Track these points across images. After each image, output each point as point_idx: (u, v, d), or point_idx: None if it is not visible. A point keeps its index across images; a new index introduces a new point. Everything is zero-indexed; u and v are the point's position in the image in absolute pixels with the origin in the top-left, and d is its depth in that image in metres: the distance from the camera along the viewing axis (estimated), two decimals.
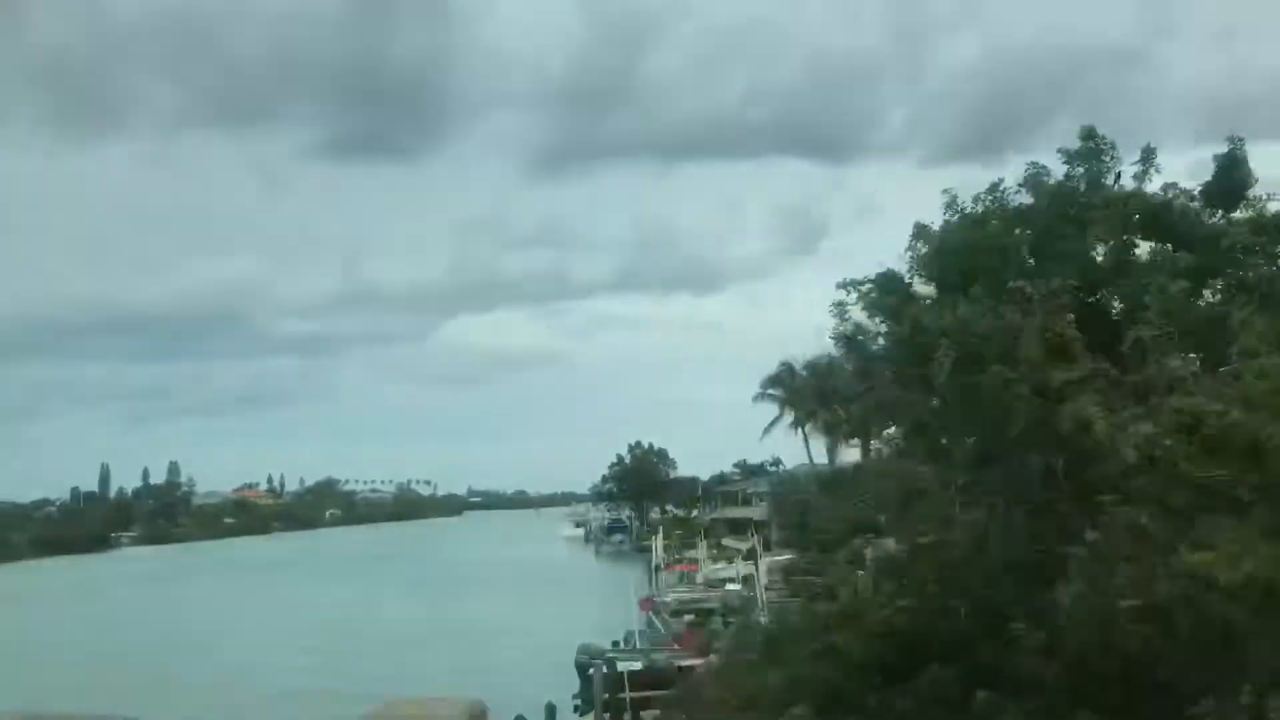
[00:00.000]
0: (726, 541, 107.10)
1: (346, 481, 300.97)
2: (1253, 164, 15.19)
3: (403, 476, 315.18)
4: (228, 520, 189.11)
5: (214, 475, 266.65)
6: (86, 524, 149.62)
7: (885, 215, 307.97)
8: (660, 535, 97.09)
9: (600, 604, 67.95)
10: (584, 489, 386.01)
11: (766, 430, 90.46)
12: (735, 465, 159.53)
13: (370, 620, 58.44)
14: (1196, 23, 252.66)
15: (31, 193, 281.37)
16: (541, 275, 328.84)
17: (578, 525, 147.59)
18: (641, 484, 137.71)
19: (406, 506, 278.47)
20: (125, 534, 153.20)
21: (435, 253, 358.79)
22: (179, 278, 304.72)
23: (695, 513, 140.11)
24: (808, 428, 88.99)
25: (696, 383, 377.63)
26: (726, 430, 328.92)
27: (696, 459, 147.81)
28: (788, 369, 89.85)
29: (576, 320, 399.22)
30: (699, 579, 58.40)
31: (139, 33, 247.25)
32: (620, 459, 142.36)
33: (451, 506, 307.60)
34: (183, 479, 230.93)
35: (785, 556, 66.60)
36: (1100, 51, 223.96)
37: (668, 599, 52.54)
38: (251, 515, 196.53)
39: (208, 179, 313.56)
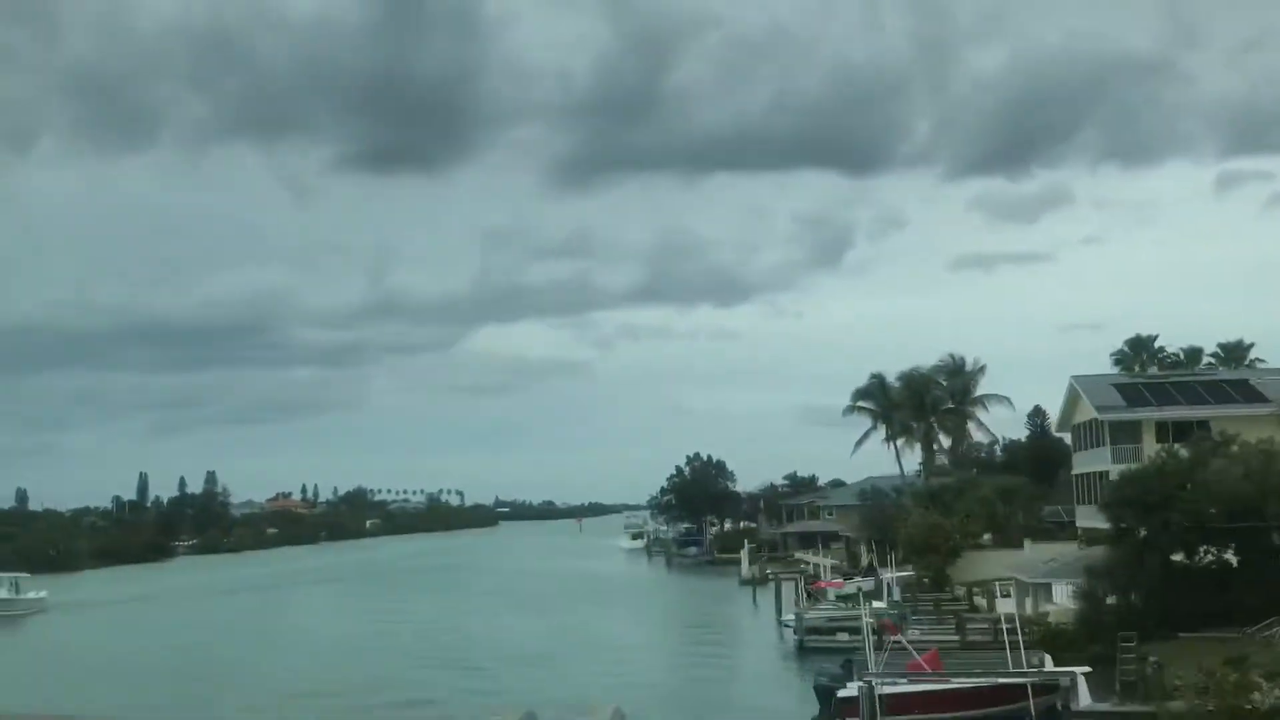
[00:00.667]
0: (799, 554, 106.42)
1: (376, 491, 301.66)
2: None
3: (429, 486, 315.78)
4: (271, 530, 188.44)
5: (243, 484, 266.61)
6: (138, 533, 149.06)
7: (909, 227, 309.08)
8: (747, 549, 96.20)
9: (713, 619, 67.04)
10: (612, 499, 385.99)
11: (859, 444, 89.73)
12: (786, 478, 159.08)
13: (499, 635, 57.48)
14: (1222, 34, 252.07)
15: (63, 204, 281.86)
16: (566, 285, 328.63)
17: (635, 538, 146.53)
18: (700, 496, 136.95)
19: (441, 517, 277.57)
20: (180, 543, 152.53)
21: (461, 263, 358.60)
22: (207, 288, 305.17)
23: (751, 524, 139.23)
24: (900, 441, 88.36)
25: (721, 393, 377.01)
26: (755, 440, 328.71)
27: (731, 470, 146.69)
28: (879, 381, 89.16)
29: (600, 330, 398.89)
30: (831, 596, 57.29)
31: (169, 45, 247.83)
32: (679, 470, 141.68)
33: (483, 517, 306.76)
34: (218, 488, 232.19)
35: (905, 572, 65.74)
36: (1126, 62, 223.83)
37: (810, 616, 51.58)
38: (297, 525, 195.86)
39: (236, 190, 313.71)
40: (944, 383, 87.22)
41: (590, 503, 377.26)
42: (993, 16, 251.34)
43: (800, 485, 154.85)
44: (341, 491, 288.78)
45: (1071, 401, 64.61)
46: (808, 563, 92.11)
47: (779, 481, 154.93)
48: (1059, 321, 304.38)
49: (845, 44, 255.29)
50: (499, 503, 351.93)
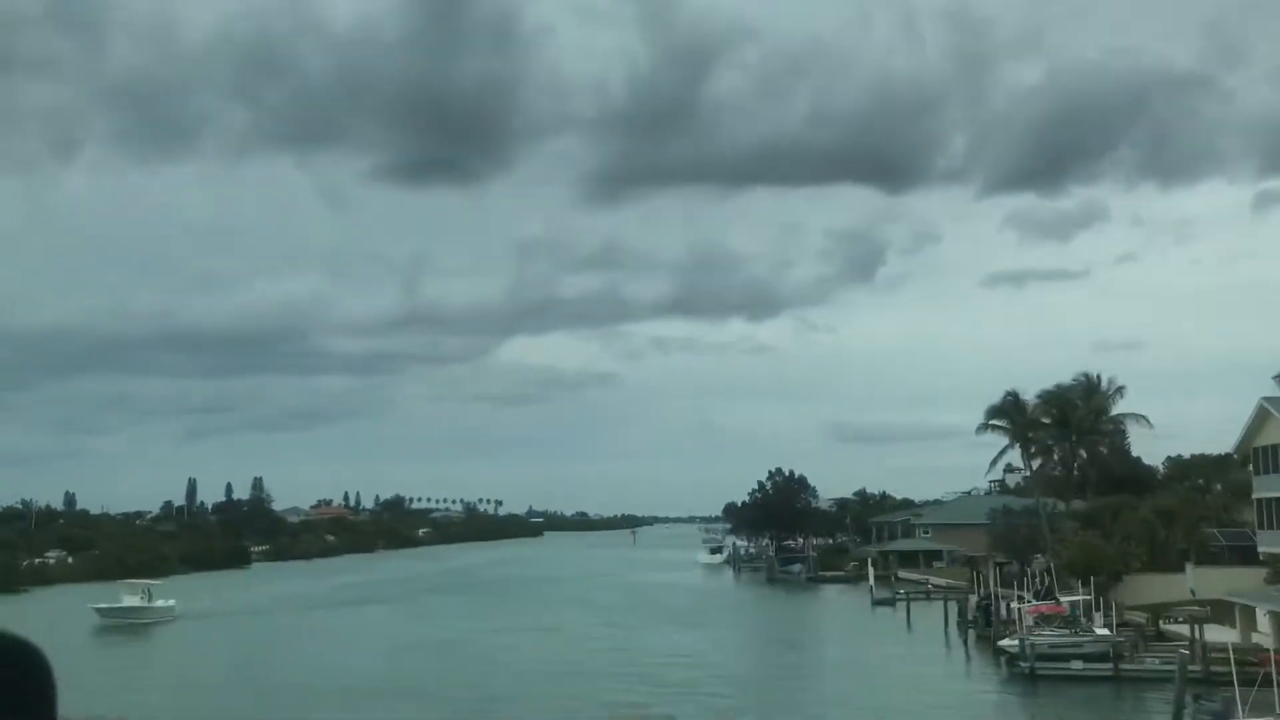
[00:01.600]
0: (904, 574, 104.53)
1: (413, 499, 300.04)
2: None
3: (458, 494, 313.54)
4: (329, 538, 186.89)
5: (277, 490, 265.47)
6: (210, 539, 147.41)
7: (943, 244, 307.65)
8: (872, 567, 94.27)
9: (884, 639, 65.03)
10: (644, 512, 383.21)
11: (994, 462, 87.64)
12: (855, 494, 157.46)
13: (695, 655, 55.71)
14: (1263, 52, 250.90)
15: (102, 211, 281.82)
16: (598, 298, 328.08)
17: (714, 551, 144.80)
18: (783, 512, 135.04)
19: (489, 526, 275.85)
20: (255, 549, 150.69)
21: (494, 274, 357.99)
22: (242, 295, 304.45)
23: (829, 540, 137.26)
24: (1036, 462, 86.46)
25: (752, 408, 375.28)
26: (787, 456, 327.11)
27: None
28: (1014, 399, 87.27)
29: (631, 343, 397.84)
30: (1029, 620, 55.26)
31: (210, 56, 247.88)
32: (761, 485, 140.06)
33: (528, 527, 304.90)
34: (264, 494, 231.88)
35: (1081, 596, 63.81)
36: (1164, 78, 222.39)
37: (1032, 641, 49.73)
38: (353, 533, 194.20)
39: (273, 199, 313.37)
40: (1079, 402, 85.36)
41: (623, 514, 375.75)
42: (1031, 32, 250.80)
43: (869, 503, 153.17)
44: (381, 499, 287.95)
45: (1259, 422, 62.80)
46: (937, 583, 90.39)
47: (847, 497, 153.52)
48: (1093, 340, 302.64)
49: (883, 58, 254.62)
50: (532, 513, 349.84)
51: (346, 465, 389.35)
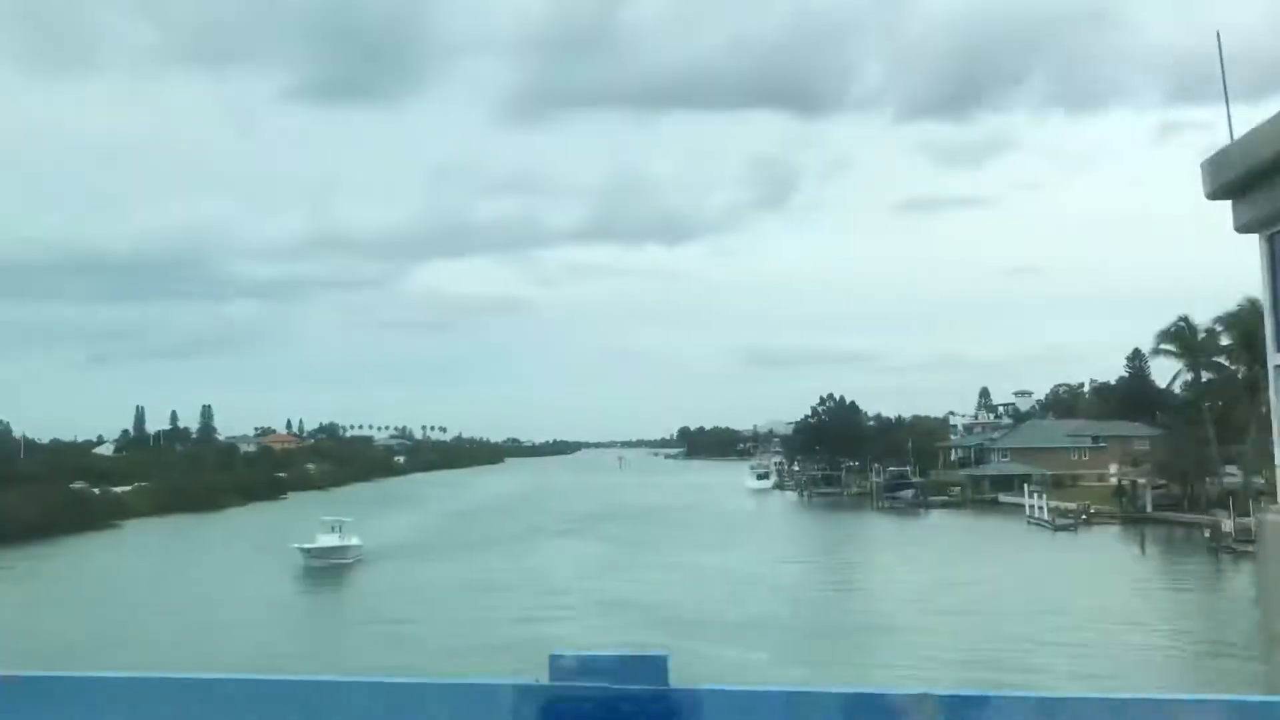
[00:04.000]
0: (1005, 498, 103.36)
1: (349, 427, 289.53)
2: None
3: (383, 421, 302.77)
4: (309, 466, 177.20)
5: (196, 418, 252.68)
6: (227, 468, 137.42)
7: (856, 171, 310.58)
8: (1037, 496, 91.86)
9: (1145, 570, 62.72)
10: (573, 437, 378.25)
11: (1169, 386, 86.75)
12: (873, 418, 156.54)
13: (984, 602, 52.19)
14: None
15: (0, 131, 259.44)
16: (513, 222, 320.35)
17: (761, 477, 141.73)
18: (839, 437, 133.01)
19: (459, 453, 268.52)
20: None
21: (408, 198, 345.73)
22: (147, 218, 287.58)
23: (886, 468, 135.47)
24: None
25: (666, 333, 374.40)
26: (703, 380, 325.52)
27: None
28: (1185, 324, 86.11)
29: (546, 268, 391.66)
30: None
31: None
32: (814, 411, 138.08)
33: (490, 453, 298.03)
34: (213, 423, 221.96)
35: None
36: (1076, 7, 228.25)
37: None
38: (357, 463, 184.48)
39: (181, 119, 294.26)
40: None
41: (554, 440, 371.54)
42: None
43: (892, 427, 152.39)
44: (318, 425, 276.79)
45: None
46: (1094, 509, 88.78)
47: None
48: (1001, 265, 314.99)
49: None
50: (460, 440, 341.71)
51: (264, 393, 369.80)
